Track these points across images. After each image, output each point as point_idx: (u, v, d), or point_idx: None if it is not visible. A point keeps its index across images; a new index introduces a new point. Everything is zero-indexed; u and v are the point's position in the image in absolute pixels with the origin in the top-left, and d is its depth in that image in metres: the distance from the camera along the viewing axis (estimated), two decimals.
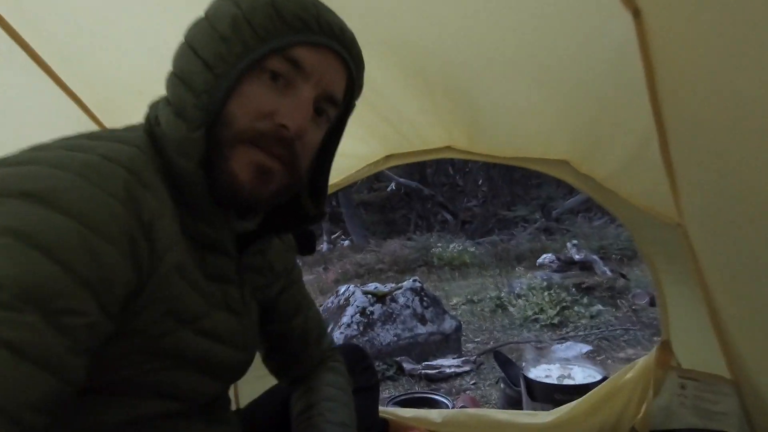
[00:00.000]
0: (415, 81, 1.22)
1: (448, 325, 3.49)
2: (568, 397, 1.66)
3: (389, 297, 3.46)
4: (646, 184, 1.15)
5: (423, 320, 3.42)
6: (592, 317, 3.95)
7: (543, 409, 1.72)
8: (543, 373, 1.84)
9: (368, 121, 1.43)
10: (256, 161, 0.61)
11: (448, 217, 11.02)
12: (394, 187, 11.19)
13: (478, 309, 5.03)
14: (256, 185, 0.62)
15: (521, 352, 3.42)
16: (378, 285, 3.86)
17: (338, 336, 3.25)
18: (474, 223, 10.84)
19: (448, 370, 3.14)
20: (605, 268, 4.61)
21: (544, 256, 5.17)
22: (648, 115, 0.93)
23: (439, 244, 8.34)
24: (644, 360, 1.38)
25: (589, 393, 1.41)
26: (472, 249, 8.28)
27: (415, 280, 3.65)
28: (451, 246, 8.21)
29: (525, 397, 1.79)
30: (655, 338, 3.27)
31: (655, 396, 1.23)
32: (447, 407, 2.08)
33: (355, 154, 1.65)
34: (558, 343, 3.39)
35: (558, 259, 4.97)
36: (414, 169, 12.71)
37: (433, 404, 2.17)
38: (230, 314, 0.72)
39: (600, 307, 4.14)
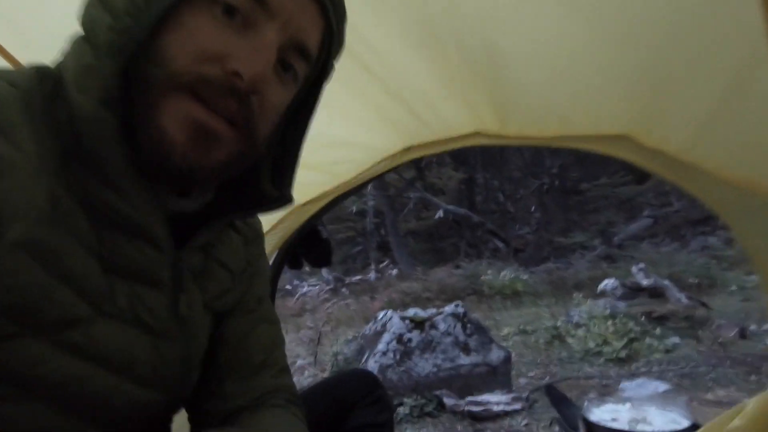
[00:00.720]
0: (424, 39, 0.97)
1: (496, 356, 3.07)
2: None
3: (429, 323, 3.11)
4: (743, 146, 0.81)
5: (466, 349, 3.04)
6: (667, 351, 3.38)
7: None
8: (609, 415, 1.44)
9: (377, 102, 1.19)
10: (195, 118, 0.46)
11: (500, 244, 10.48)
12: (442, 215, 10.85)
13: (532, 340, 4.53)
14: (195, 150, 0.47)
15: (582, 389, 2.93)
16: (418, 310, 3.52)
17: (372, 365, 2.93)
18: (527, 251, 10.22)
19: (495, 408, 2.72)
20: (680, 295, 3.99)
21: (606, 281, 4.61)
22: (755, 27, 0.61)
23: (490, 272, 7.87)
24: (758, 401, 0.97)
25: None
26: (525, 277, 7.74)
27: (457, 305, 3.29)
28: (502, 274, 7.72)
29: None
30: (753, 377, 2.68)
31: None
32: None
33: (368, 144, 1.41)
34: (627, 381, 2.87)
35: (623, 285, 4.40)
36: (463, 196, 12.35)
37: None
38: (137, 329, 0.51)
39: (677, 339, 3.55)
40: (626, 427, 1.36)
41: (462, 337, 3.08)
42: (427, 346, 3.01)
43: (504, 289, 7.43)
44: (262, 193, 0.59)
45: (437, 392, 2.79)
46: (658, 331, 3.66)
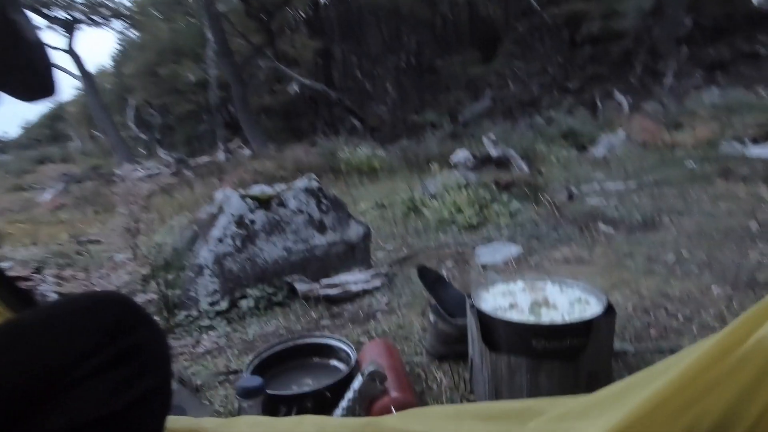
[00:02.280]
0: None
1: (354, 232, 2.65)
2: (557, 344, 0.89)
3: (276, 201, 2.48)
4: None
5: (322, 228, 2.53)
6: (512, 216, 3.35)
7: (511, 366, 0.94)
8: (505, 300, 1.06)
9: None
10: None
11: (357, 123, 9.94)
12: (298, 90, 9.69)
13: (389, 214, 4.29)
14: None
15: (439, 257, 2.73)
16: (264, 187, 2.84)
17: (206, 256, 2.26)
18: (383, 129, 9.92)
19: (354, 288, 2.34)
20: (522, 164, 4.00)
21: (459, 153, 4.44)
22: None
23: (347, 149, 7.38)
24: None
25: (668, 363, 0.61)
26: (381, 154, 7.46)
27: (310, 179, 2.69)
28: (359, 151, 7.30)
29: (477, 345, 1.00)
30: (584, 233, 2.74)
31: None
32: (349, 358, 1.25)
33: None
34: (482, 246, 2.74)
35: (474, 156, 4.27)
36: (320, 70, 11.16)
37: (326, 353, 1.34)
38: None
39: (520, 205, 3.56)
40: (529, 314, 0.98)
41: (317, 215, 2.54)
42: (275, 227, 2.42)
43: (361, 166, 7.08)
44: None
45: (288, 279, 2.29)
46: (504, 197, 3.64)
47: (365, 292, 2.34)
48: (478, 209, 3.51)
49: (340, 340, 1.34)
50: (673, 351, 1.26)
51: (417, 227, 3.65)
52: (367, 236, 2.71)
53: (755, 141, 4.62)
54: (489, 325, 0.97)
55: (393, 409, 0.92)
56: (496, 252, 2.59)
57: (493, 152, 4.21)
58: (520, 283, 1.12)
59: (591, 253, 2.36)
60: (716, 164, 4.07)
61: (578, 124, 7.86)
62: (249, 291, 2.22)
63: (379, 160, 7.15)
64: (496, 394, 0.98)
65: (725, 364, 0.51)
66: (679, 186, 3.58)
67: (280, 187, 2.78)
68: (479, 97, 10.88)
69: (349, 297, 2.32)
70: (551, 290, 1.07)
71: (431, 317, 1.29)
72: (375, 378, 0.98)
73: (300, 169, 6.75)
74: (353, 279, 2.46)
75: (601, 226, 2.82)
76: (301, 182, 2.69)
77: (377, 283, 2.41)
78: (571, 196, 3.70)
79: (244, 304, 2.18)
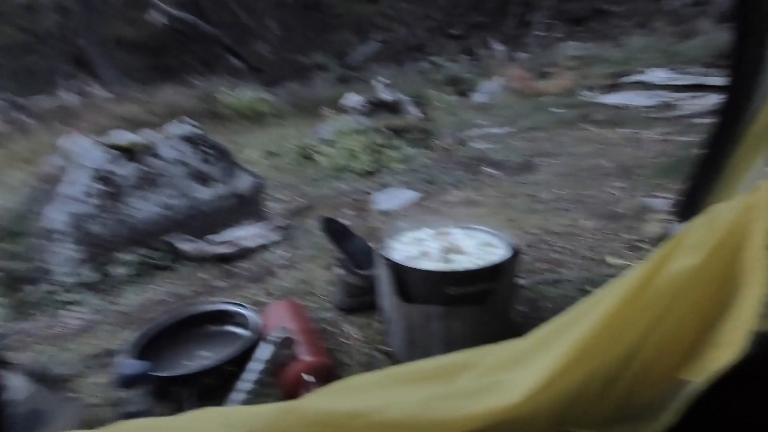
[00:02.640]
0: None
1: (244, 183, 2.41)
2: (469, 289, 0.88)
3: (146, 151, 2.12)
4: None
5: (206, 180, 2.25)
6: (406, 161, 3.37)
7: (426, 315, 0.92)
8: (415, 248, 1.02)
9: None
10: None
11: (237, 62, 9.00)
12: (166, 21, 8.34)
13: (280, 162, 4.03)
14: None
15: (336, 206, 2.66)
16: (129, 134, 2.40)
17: (58, 218, 1.87)
18: (267, 70, 9.15)
19: (248, 243, 2.16)
20: (413, 109, 4.01)
21: (351, 97, 4.28)
22: None
23: (228, 92, 6.67)
24: (729, 208, 0.56)
25: (604, 294, 0.60)
26: (267, 97, 6.91)
27: (188, 125, 2.34)
28: (242, 94, 6.66)
29: (390, 296, 0.95)
30: (475, 176, 2.88)
31: None
32: (250, 324, 1.13)
33: None
34: (379, 193, 2.72)
35: (367, 101, 4.15)
36: (188, 1, 9.68)
37: (223, 320, 1.20)
38: None
39: (413, 150, 3.60)
40: (441, 261, 0.95)
41: (199, 166, 2.25)
42: (149, 181, 2.08)
43: (245, 111, 6.50)
44: None
45: (169, 239, 2.01)
46: (398, 143, 3.64)
47: (262, 248, 2.18)
48: (373, 155, 3.47)
49: (238, 305, 1.20)
50: (558, 282, 1.39)
51: (312, 175, 3.49)
52: (258, 187, 2.50)
53: (605, 90, 5.24)
54: (401, 275, 0.93)
55: (307, 376, 0.85)
56: (394, 198, 2.58)
57: (385, 97, 4.14)
58: (428, 231, 1.10)
59: (481, 195, 2.48)
60: (576, 111, 4.54)
61: (461, 71, 8.12)
62: (122, 256, 1.91)
63: (265, 105, 6.62)
64: (411, 343, 0.96)
65: (642, 299, 0.53)
66: (549, 130, 3.93)
67: (150, 134, 2.38)
68: (367, 39, 10.57)
69: (244, 254, 2.14)
70: (459, 236, 1.06)
71: (338, 270, 1.22)
72: (284, 344, 0.89)
73: (173, 113, 5.96)
74: (247, 234, 2.27)
75: (488, 169, 2.98)
76: (176, 128, 2.33)
77: (274, 236, 2.26)
78: (459, 141, 3.84)
79: (117, 271, 1.87)
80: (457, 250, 0.98)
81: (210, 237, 2.16)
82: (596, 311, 0.53)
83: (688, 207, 1.09)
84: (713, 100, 3.78)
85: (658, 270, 0.53)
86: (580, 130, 3.72)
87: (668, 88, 4.46)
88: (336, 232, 1.28)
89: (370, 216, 2.39)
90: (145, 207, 2.04)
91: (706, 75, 4.70)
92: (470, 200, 2.41)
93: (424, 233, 1.09)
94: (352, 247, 1.26)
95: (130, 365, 0.85)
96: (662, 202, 1.84)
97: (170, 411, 0.93)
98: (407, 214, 2.29)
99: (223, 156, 2.44)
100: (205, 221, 2.23)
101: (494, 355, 0.58)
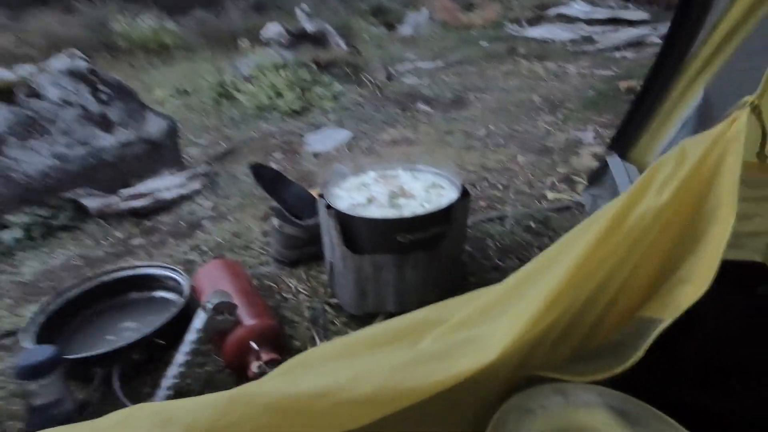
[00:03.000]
0: None
1: (155, 127, 2.12)
2: (421, 235, 0.83)
3: (23, 90, 1.75)
4: None
5: (106, 124, 1.94)
6: (336, 98, 3.18)
7: (376, 264, 0.86)
8: (361, 196, 0.93)
9: None
10: None
11: None
12: None
13: (195, 102, 3.62)
14: None
15: (265, 149, 2.45)
16: (6, 72, 1.97)
17: None
18: None
19: (166, 195, 1.94)
20: (339, 41, 3.73)
21: (270, 27, 3.87)
22: None
23: (123, 20, 5.75)
24: (699, 142, 0.52)
25: (565, 240, 0.56)
26: (172, 27, 6.07)
27: (73, 57, 1.95)
28: (142, 22, 5.78)
29: (338, 248, 0.87)
30: (407, 113, 2.78)
31: None
32: (180, 287, 1.00)
33: None
34: (310, 133, 2.54)
35: (288, 31, 3.77)
36: None
37: (147, 285, 1.06)
38: None
39: (342, 86, 3.39)
40: (389, 207, 0.88)
41: (95, 108, 1.91)
42: (32, 126, 1.74)
43: (147, 43, 5.69)
44: None
45: (69, 195, 1.74)
46: (326, 78, 3.39)
47: (183, 198, 1.97)
48: (300, 92, 3.21)
49: (162, 267, 1.06)
50: (501, 219, 1.40)
51: (233, 116, 3.18)
52: (172, 131, 2.21)
53: (530, 23, 5.24)
54: (348, 224, 0.85)
55: (253, 344, 0.77)
56: (327, 138, 2.43)
57: (309, 27, 3.78)
58: (372, 174, 1.01)
59: (416, 133, 2.41)
60: (503, 44, 4.51)
61: (386, 1, 7.67)
62: (10, 218, 1.61)
63: (170, 36, 5.84)
64: (361, 294, 0.91)
65: (612, 240, 0.50)
66: (478, 64, 3.88)
67: (28, 70, 1.96)
68: None
69: (163, 206, 1.92)
70: (405, 178, 0.99)
71: (275, 221, 1.11)
72: (222, 310, 0.79)
73: (55, 45, 5.05)
74: (164, 184, 2.03)
75: (421, 105, 2.90)
76: (59, 62, 1.94)
77: (196, 185, 2.05)
78: (389, 77, 3.67)
79: (8, 236, 1.59)
80: (405, 194, 0.91)
81: (123, 191, 1.90)
82: (567, 256, 0.50)
83: (623, 139, 1.10)
84: (630, 33, 3.93)
85: (629, 209, 0.50)
86: (508, 64, 3.72)
87: (588, 22, 4.56)
88: (269, 179, 1.15)
89: (302, 159, 2.24)
90: (32, 159, 1.71)
91: (624, 9, 4.85)
92: (406, 138, 2.34)
93: (369, 177, 1.00)
94: (288, 194, 1.14)
95: (33, 352, 0.71)
96: (590, 135, 1.90)
97: (93, 398, 0.81)
98: (342, 156, 2.17)
99: (124, 96, 2.10)
100: (113, 173, 1.95)
101: (459, 309, 0.53)
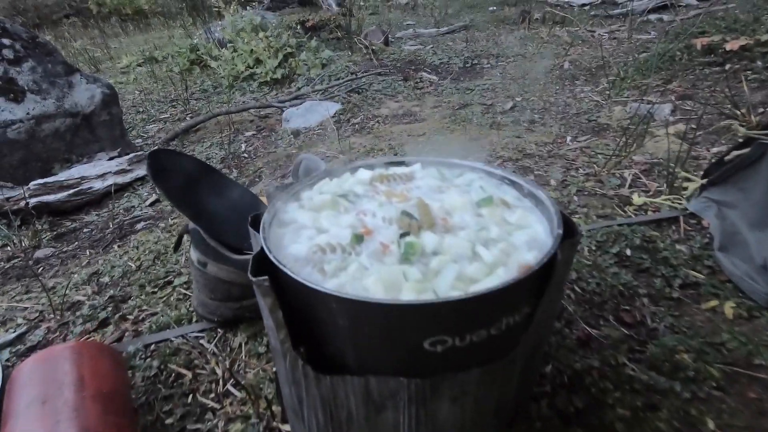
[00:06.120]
0: None
1: (86, 96, 1.56)
2: (476, 334, 0.30)
3: None
4: None
5: (13, 92, 1.38)
6: (324, 65, 2.60)
7: (373, 396, 0.34)
8: (331, 221, 0.42)
9: None
10: None
11: None
12: None
13: (163, 70, 3.03)
14: None
15: (237, 127, 1.90)
16: None
17: None
18: None
19: (96, 185, 1.41)
20: (332, 1, 3.10)
21: None
22: None
23: None
24: None
25: None
26: None
27: None
28: None
29: (286, 363, 0.35)
30: (408, 82, 2.22)
31: None
32: None
33: None
34: (292, 107, 1.99)
35: None
36: None
37: None
38: None
39: (332, 52, 2.80)
40: (403, 262, 0.36)
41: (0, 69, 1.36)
42: None
43: (122, 7, 5.03)
44: None
45: None
46: (313, 43, 2.80)
47: (120, 189, 1.44)
48: (283, 59, 2.63)
49: None
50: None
51: (204, 87, 2.61)
52: (109, 101, 1.65)
53: None
54: (311, 306, 0.33)
55: None
56: (310, 112, 1.88)
57: None
58: (365, 173, 0.48)
59: (421, 106, 1.86)
60: (514, 8, 3.90)
61: None
62: None
63: (147, 0, 5.16)
64: None
65: None
66: (487, 29, 3.28)
67: None
68: None
69: (92, 201, 1.39)
70: (427, 182, 0.45)
71: (193, 254, 0.59)
72: None
73: (25, 9, 4.40)
74: (95, 171, 1.49)
75: (425, 74, 2.33)
76: None
77: (140, 171, 1.51)
78: (387, 42, 3.08)
79: None
80: (434, 224, 0.39)
81: (34, 182, 1.36)
82: None
83: None
84: None
85: None
86: (523, 29, 3.13)
87: None
88: (184, 178, 0.62)
89: (278, 138, 1.70)
90: None
91: None
92: (409, 113, 1.79)
93: (360, 179, 0.47)
94: (220, 206, 0.63)
95: None
96: (667, 108, 1.36)
97: None
98: (327, 136, 1.63)
99: (41, 53, 1.53)
100: (21, 155, 1.41)
101: None
